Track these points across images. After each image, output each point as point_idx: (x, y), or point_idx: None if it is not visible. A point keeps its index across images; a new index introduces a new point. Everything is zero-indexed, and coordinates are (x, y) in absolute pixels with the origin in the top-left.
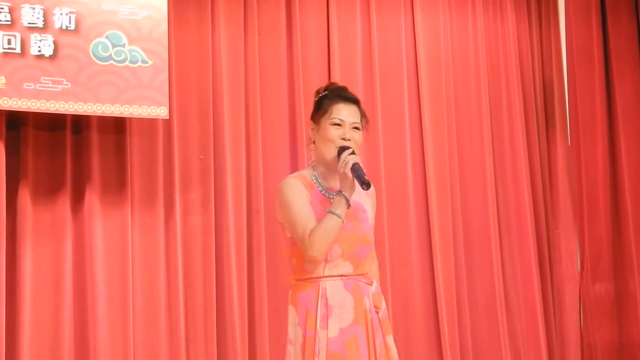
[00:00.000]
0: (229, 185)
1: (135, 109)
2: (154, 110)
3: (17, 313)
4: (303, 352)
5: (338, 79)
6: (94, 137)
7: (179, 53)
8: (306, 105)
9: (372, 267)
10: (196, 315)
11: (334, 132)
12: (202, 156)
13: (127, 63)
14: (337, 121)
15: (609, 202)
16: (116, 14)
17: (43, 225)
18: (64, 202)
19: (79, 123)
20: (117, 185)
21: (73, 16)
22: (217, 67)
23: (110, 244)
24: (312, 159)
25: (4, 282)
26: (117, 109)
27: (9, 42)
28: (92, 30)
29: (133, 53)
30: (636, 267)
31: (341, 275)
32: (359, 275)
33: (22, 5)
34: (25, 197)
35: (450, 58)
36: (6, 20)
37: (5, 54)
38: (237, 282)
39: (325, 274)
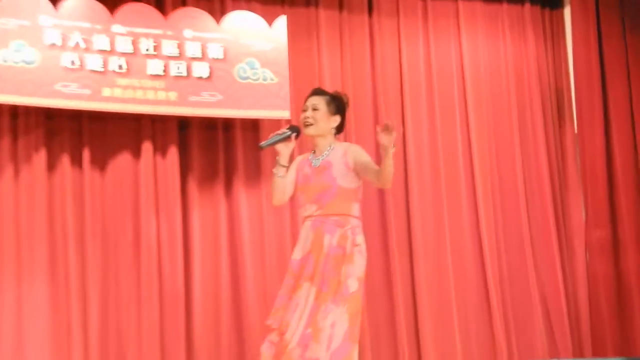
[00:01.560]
0: None
1: (267, 113)
2: (279, 113)
3: (190, 264)
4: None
5: (407, 91)
6: (238, 134)
7: (295, 73)
8: (386, 110)
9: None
10: None
11: (301, 115)
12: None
13: (260, 81)
14: (304, 107)
15: (605, 173)
16: (251, 46)
17: (204, 200)
18: (219, 183)
19: (228, 124)
20: (255, 171)
21: (222, 49)
22: (322, 82)
23: (251, 214)
24: None
25: (181, 242)
26: (254, 113)
27: (178, 68)
28: (236, 58)
29: (264, 74)
30: (625, 219)
31: (310, 216)
32: (326, 215)
33: (186, 42)
34: (192, 174)
35: (487, 72)
36: (176, 54)
37: (176, 76)
38: None
39: (303, 215)
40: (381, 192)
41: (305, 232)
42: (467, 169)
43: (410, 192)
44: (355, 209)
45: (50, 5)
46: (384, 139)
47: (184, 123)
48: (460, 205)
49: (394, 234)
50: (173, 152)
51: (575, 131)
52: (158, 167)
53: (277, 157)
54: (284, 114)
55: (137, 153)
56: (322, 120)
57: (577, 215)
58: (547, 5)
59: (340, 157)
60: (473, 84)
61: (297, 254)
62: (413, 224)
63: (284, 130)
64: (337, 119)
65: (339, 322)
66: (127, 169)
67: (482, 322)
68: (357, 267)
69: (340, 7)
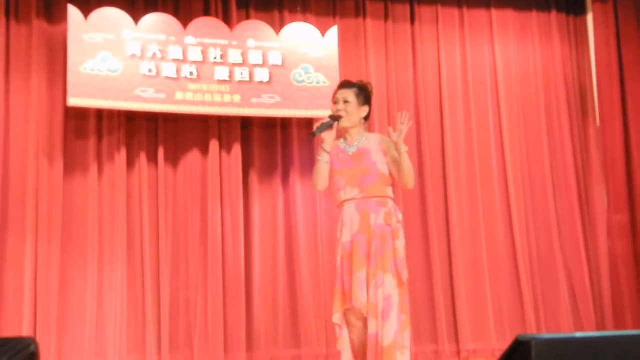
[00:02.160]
0: None
1: (320, 112)
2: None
3: (250, 249)
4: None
5: (445, 92)
6: (295, 132)
7: (344, 76)
8: (426, 110)
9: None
10: None
11: (333, 108)
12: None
13: (314, 84)
14: (335, 99)
15: (624, 163)
16: (306, 54)
17: (264, 192)
18: (277, 172)
19: (285, 123)
20: (309, 164)
21: (281, 56)
22: None
23: (306, 203)
24: None
25: (242, 229)
26: (308, 113)
27: (242, 74)
28: (292, 64)
29: (317, 78)
30: None
31: (352, 199)
32: (368, 197)
33: (249, 51)
34: (253, 168)
35: (518, 74)
36: (239, 61)
37: (240, 81)
38: None
39: (343, 198)
40: (422, 185)
41: (350, 214)
42: (499, 162)
43: (448, 183)
44: (391, 191)
45: (131, 21)
46: (394, 136)
47: (246, 123)
48: (493, 194)
49: (434, 220)
50: (237, 149)
51: (598, 125)
52: (223, 162)
53: (322, 145)
54: (325, 112)
55: (205, 150)
56: (354, 112)
57: (600, 201)
58: (572, 13)
59: (377, 144)
60: (505, 84)
61: (346, 237)
62: (450, 211)
63: (328, 120)
64: (366, 109)
65: (394, 295)
66: (197, 165)
67: (513, 299)
68: (402, 241)
69: (386, 17)
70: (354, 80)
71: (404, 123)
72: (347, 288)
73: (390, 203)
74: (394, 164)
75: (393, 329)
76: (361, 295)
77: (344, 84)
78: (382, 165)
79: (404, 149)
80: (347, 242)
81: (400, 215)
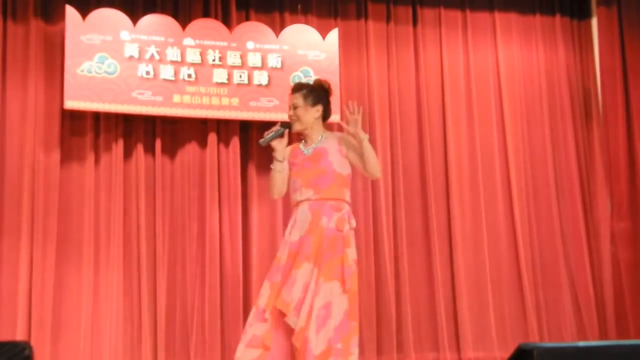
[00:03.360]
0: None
1: None
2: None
3: (249, 252)
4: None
5: (448, 95)
6: (294, 134)
7: (345, 80)
8: (429, 113)
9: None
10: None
11: (288, 114)
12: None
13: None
14: (289, 106)
15: (627, 168)
16: (306, 57)
17: (263, 188)
18: None
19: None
20: None
21: (280, 59)
22: (370, 88)
23: None
24: None
25: (240, 231)
26: None
27: (240, 77)
28: (292, 67)
29: None
30: None
31: (307, 200)
32: (323, 199)
33: (248, 53)
34: (252, 170)
35: (521, 77)
36: (238, 63)
37: (238, 84)
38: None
39: (298, 199)
40: (424, 187)
41: (303, 215)
42: (502, 166)
43: (450, 185)
44: (348, 195)
45: (129, 22)
46: (350, 128)
47: (245, 124)
48: (496, 200)
49: (435, 226)
50: (235, 150)
51: (601, 128)
52: (221, 164)
53: (273, 153)
54: (334, 117)
55: (203, 152)
56: (304, 115)
57: (603, 207)
58: (576, 17)
59: (335, 144)
60: (508, 88)
61: (294, 236)
62: (453, 216)
63: (277, 128)
64: (319, 109)
65: (335, 303)
66: (194, 166)
67: (516, 305)
68: (354, 250)
69: (388, 19)
70: (354, 82)
71: (354, 112)
72: (274, 282)
73: (346, 208)
74: (359, 159)
75: (327, 337)
76: (285, 294)
77: (293, 88)
78: (339, 165)
79: (364, 137)
80: (294, 242)
81: (353, 222)
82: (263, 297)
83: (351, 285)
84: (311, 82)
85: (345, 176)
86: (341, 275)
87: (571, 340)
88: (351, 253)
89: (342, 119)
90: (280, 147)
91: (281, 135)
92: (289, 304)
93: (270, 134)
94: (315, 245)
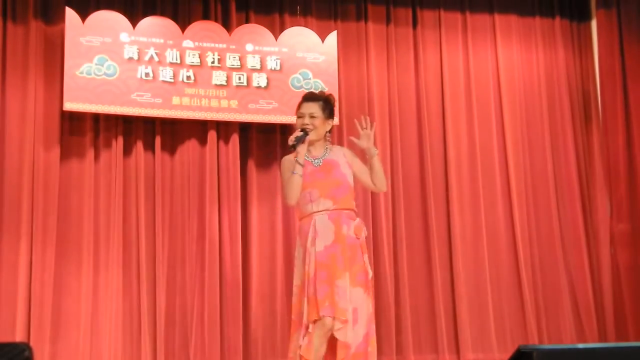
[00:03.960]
0: None
1: None
2: None
3: (248, 254)
4: (303, 261)
5: (448, 97)
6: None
7: (345, 82)
8: (429, 115)
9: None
10: None
11: (299, 122)
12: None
13: (312, 90)
14: (300, 114)
15: (626, 171)
16: (305, 59)
17: (263, 188)
18: (275, 175)
19: (284, 128)
20: None
21: (278, 61)
22: (370, 90)
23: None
24: None
25: (240, 232)
26: None
27: (239, 79)
28: (290, 69)
29: (316, 83)
30: None
31: (325, 210)
32: (340, 209)
33: (247, 56)
34: (251, 171)
35: (521, 79)
36: (237, 65)
37: (237, 86)
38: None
39: (314, 210)
40: (423, 189)
41: (324, 225)
42: (502, 168)
43: (450, 187)
44: (354, 205)
45: (129, 24)
46: (362, 142)
47: (244, 126)
48: (496, 200)
49: (435, 228)
50: (234, 151)
51: (601, 131)
52: (221, 165)
53: (296, 158)
54: (334, 120)
55: (202, 153)
56: (321, 126)
57: (603, 209)
58: (576, 19)
59: (342, 157)
60: (508, 90)
61: (319, 246)
62: (452, 218)
63: (299, 133)
64: (331, 123)
65: (361, 308)
66: (194, 167)
67: (515, 308)
68: (366, 255)
69: (387, 21)
70: (354, 83)
71: (367, 127)
72: (320, 297)
73: (357, 217)
74: (363, 173)
75: (358, 340)
76: (342, 303)
77: (309, 97)
78: (350, 178)
79: (375, 152)
80: (320, 252)
81: (366, 230)
82: (304, 315)
83: (371, 291)
84: (319, 93)
85: (353, 188)
86: (364, 281)
87: (570, 342)
88: (367, 259)
89: (340, 122)
90: (303, 151)
91: (303, 141)
92: (346, 310)
93: (297, 138)
94: (343, 253)
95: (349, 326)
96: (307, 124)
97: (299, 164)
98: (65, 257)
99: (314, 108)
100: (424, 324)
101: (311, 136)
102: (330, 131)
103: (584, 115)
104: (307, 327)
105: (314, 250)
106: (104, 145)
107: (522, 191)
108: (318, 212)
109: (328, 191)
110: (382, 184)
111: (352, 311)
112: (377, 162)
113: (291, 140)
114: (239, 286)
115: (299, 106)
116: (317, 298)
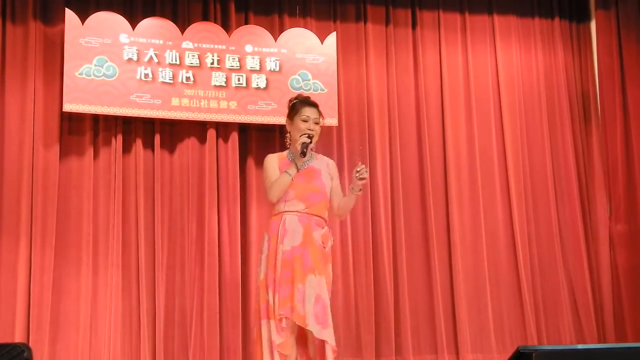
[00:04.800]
0: (378, 170)
1: None
2: (328, 121)
3: (248, 255)
4: (268, 258)
5: (447, 98)
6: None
7: (344, 82)
8: (428, 116)
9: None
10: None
11: (303, 125)
12: (360, 147)
13: (311, 91)
14: (305, 117)
15: (625, 171)
16: (304, 60)
17: (262, 189)
18: None
19: (283, 129)
20: None
21: (278, 62)
22: (369, 91)
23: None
24: (288, 143)
25: (239, 234)
26: None
27: (239, 80)
28: (290, 70)
29: (315, 84)
30: None
31: (297, 211)
32: (311, 214)
33: (246, 57)
34: (251, 172)
35: (520, 80)
36: (236, 66)
37: (236, 87)
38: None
39: (285, 209)
40: (422, 190)
41: (293, 226)
42: (501, 168)
43: (449, 188)
44: (327, 214)
45: (128, 25)
46: (358, 183)
47: (244, 126)
48: (495, 201)
49: (434, 228)
50: (234, 152)
51: (600, 131)
52: (220, 166)
53: (296, 161)
54: (333, 121)
55: (202, 154)
56: (318, 132)
57: (602, 210)
58: (575, 20)
59: (325, 167)
60: (507, 90)
61: (286, 245)
62: (451, 219)
63: (306, 138)
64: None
65: (328, 306)
66: (193, 168)
67: (514, 308)
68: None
69: (387, 22)
70: (353, 84)
71: (363, 176)
72: (282, 296)
73: (326, 225)
74: (336, 194)
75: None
76: (299, 307)
77: (312, 103)
78: (328, 188)
79: (358, 191)
80: (287, 251)
81: (332, 241)
82: (274, 308)
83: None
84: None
85: (328, 198)
86: (330, 285)
87: (570, 343)
88: (330, 269)
89: (339, 123)
90: (307, 156)
91: (307, 148)
92: (304, 316)
93: (306, 144)
94: (314, 257)
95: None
96: (312, 130)
97: (297, 166)
98: (64, 257)
99: (317, 114)
100: (423, 324)
101: (313, 141)
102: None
103: (583, 116)
104: (281, 321)
105: (282, 248)
106: (103, 145)
107: (521, 192)
108: (289, 212)
109: (303, 194)
110: (342, 214)
111: (316, 297)
112: (353, 199)
113: (300, 147)
114: (238, 287)
115: (301, 109)
116: (280, 297)
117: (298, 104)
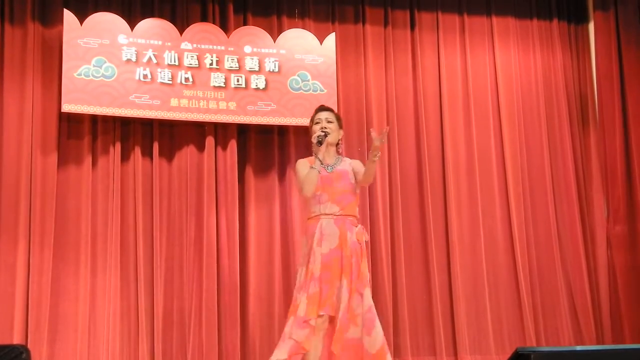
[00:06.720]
0: (376, 171)
1: None
2: None
3: (246, 256)
4: (307, 258)
5: (445, 99)
6: (292, 138)
7: (343, 83)
8: (426, 117)
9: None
10: None
11: (315, 127)
12: (359, 149)
13: (310, 92)
14: (317, 120)
15: (624, 173)
16: (304, 61)
17: (260, 191)
18: (273, 178)
19: (282, 130)
20: None
21: (277, 63)
22: (368, 92)
23: (302, 209)
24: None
25: (238, 235)
26: (305, 121)
27: (238, 81)
28: (289, 71)
29: (314, 85)
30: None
31: (332, 214)
32: (345, 215)
33: (245, 57)
34: (249, 174)
35: (519, 81)
36: (236, 67)
37: (235, 88)
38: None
39: (322, 212)
40: (421, 191)
41: (330, 228)
42: (499, 170)
43: (447, 190)
44: (357, 212)
45: (127, 26)
46: (377, 140)
47: (243, 127)
48: (493, 202)
49: (433, 230)
50: (233, 153)
51: (598, 133)
52: (219, 167)
53: (317, 155)
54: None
55: (200, 155)
56: (335, 131)
57: (600, 212)
58: (573, 21)
59: (349, 167)
60: (506, 92)
61: (324, 248)
62: (450, 221)
63: (322, 133)
64: (341, 133)
65: (373, 306)
66: (192, 170)
67: (513, 310)
68: (366, 261)
69: (385, 23)
70: (352, 85)
71: (384, 138)
72: (323, 296)
73: (359, 224)
74: (357, 172)
75: (380, 335)
76: (339, 305)
77: (324, 108)
78: (355, 188)
79: (378, 156)
80: (325, 254)
81: (367, 236)
82: (302, 308)
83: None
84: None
85: (358, 196)
86: (370, 282)
87: (568, 344)
88: (366, 264)
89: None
90: (323, 149)
91: (323, 141)
92: (339, 307)
93: (322, 136)
94: (348, 260)
95: (357, 326)
96: (326, 127)
97: (319, 160)
98: (62, 259)
99: (330, 115)
100: (422, 326)
101: (329, 138)
102: (340, 142)
103: (581, 117)
104: (307, 321)
105: (320, 250)
106: (101, 147)
107: (519, 193)
108: (325, 215)
109: (336, 197)
110: (368, 180)
111: (368, 310)
112: (374, 165)
113: (314, 138)
114: (237, 289)
115: (314, 116)
116: (321, 297)
117: (313, 113)
